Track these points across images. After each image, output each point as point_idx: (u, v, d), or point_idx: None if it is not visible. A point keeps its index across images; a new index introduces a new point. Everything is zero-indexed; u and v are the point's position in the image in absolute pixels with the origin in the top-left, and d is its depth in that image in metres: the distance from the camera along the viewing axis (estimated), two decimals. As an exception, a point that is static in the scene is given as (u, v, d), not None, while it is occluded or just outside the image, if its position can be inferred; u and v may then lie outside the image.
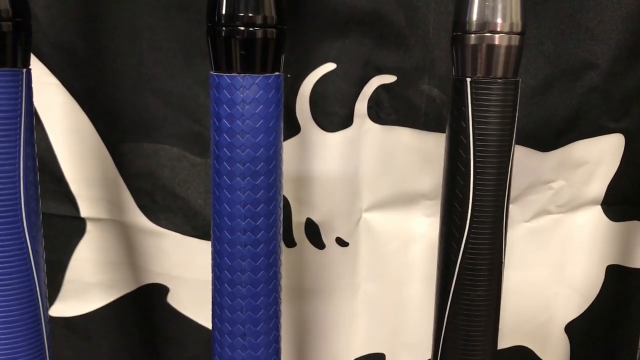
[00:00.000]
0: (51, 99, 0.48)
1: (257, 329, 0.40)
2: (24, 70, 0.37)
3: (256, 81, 0.37)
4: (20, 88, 0.37)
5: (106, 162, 0.50)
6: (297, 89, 0.49)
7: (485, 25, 0.38)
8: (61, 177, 0.49)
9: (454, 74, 0.40)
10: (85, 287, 0.54)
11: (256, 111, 0.37)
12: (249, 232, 0.38)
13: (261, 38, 0.37)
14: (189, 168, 0.51)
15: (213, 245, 0.40)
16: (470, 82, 0.38)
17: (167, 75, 0.48)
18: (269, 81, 0.37)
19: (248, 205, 0.38)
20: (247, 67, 0.37)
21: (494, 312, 0.42)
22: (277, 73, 0.38)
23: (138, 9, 0.47)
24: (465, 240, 0.40)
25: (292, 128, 0.50)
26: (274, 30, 0.37)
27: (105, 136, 0.50)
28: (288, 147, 0.51)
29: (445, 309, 0.42)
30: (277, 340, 0.42)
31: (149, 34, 0.48)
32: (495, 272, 0.41)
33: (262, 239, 0.39)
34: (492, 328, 0.42)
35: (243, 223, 0.38)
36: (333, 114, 0.50)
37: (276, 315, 0.41)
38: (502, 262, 0.42)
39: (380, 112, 0.50)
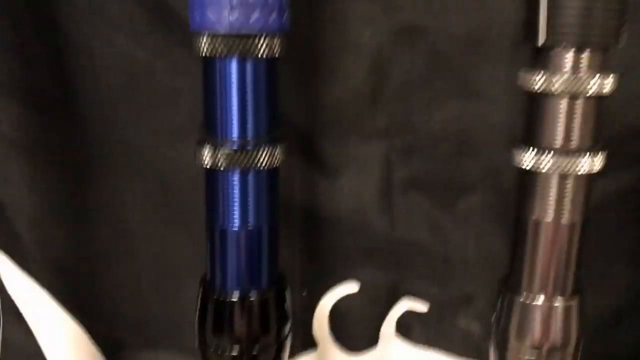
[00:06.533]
0: (43, 312, 0.46)
1: None
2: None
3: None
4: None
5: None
6: (314, 306, 0.46)
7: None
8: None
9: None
10: None
11: None
12: None
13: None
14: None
15: None
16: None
17: (168, 285, 0.46)
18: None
19: None
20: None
21: None
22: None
23: (133, 218, 0.44)
24: None
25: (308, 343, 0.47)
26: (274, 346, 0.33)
27: (102, 346, 0.48)
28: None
29: None
30: None
31: (146, 245, 0.45)
32: None
33: None
34: None
35: None
36: (356, 335, 0.46)
37: None
38: None
39: (410, 334, 0.46)
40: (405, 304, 0.45)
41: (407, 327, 0.46)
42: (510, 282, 0.34)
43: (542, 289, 0.32)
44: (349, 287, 0.45)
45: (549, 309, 0.32)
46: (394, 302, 0.45)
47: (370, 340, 0.46)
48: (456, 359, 0.46)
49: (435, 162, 0.41)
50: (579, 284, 0.34)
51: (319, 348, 0.47)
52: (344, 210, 0.42)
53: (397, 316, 0.46)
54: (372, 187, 0.42)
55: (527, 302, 0.33)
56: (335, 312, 0.46)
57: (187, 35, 0.38)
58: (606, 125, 0.36)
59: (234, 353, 0.32)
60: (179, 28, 0.38)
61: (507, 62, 0.37)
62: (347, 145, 0.41)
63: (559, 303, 0.32)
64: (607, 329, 0.44)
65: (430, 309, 0.45)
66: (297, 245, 0.44)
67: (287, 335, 0.34)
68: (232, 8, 0.28)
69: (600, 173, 0.32)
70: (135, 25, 0.39)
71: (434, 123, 0.40)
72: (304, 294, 0.45)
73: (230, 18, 0.28)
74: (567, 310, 0.33)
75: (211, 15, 0.28)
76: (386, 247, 0.43)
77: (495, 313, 0.34)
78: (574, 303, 0.33)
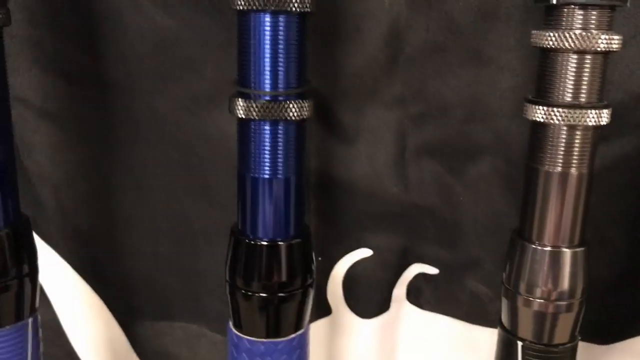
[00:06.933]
0: (60, 280, 0.48)
1: None
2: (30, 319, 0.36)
3: (279, 347, 0.35)
4: (25, 340, 0.36)
5: (121, 342, 0.50)
6: (329, 272, 0.47)
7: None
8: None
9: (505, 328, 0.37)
10: None
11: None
12: None
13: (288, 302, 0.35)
14: (208, 347, 0.49)
15: None
16: (522, 346, 0.36)
17: (186, 256, 0.47)
18: (293, 344, 0.36)
19: None
20: (270, 333, 0.35)
21: None
22: (300, 331, 0.36)
23: (154, 188, 0.46)
24: None
25: (322, 309, 0.48)
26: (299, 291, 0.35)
27: (118, 315, 0.50)
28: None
29: None
30: None
31: (166, 214, 0.46)
32: None
33: None
34: None
35: None
36: (368, 301, 0.48)
37: None
38: None
39: (420, 299, 0.48)
40: (416, 268, 0.47)
41: (417, 292, 0.48)
42: (521, 230, 0.36)
43: (552, 237, 0.35)
44: (363, 252, 0.47)
45: (557, 255, 0.34)
46: (405, 267, 0.47)
47: (382, 305, 0.48)
48: (463, 324, 0.48)
49: (448, 129, 0.43)
50: (585, 236, 0.36)
51: (333, 313, 0.49)
52: (359, 175, 0.44)
53: (407, 280, 0.47)
54: (386, 153, 0.43)
55: (538, 249, 0.35)
56: (348, 278, 0.47)
57: (214, 5, 0.40)
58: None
59: (263, 294, 0.34)
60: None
61: (518, 31, 0.39)
62: (364, 111, 0.43)
63: (567, 250, 0.35)
64: (607, 291, 0.46)
65: (439, 273, 0.47)
66: (312, 209, 0.46)
67: (311, 284, 0.36)
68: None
69: (605, 130, 0.34)
70: None
71: (446, 90, 0.42)
72: (319, 258, 0.47)
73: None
74: (574, 257, 0.35)
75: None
76: (399, 212, 0.45)
77: (507, 263, 0.37)
78: (581, 252, 0.35)
